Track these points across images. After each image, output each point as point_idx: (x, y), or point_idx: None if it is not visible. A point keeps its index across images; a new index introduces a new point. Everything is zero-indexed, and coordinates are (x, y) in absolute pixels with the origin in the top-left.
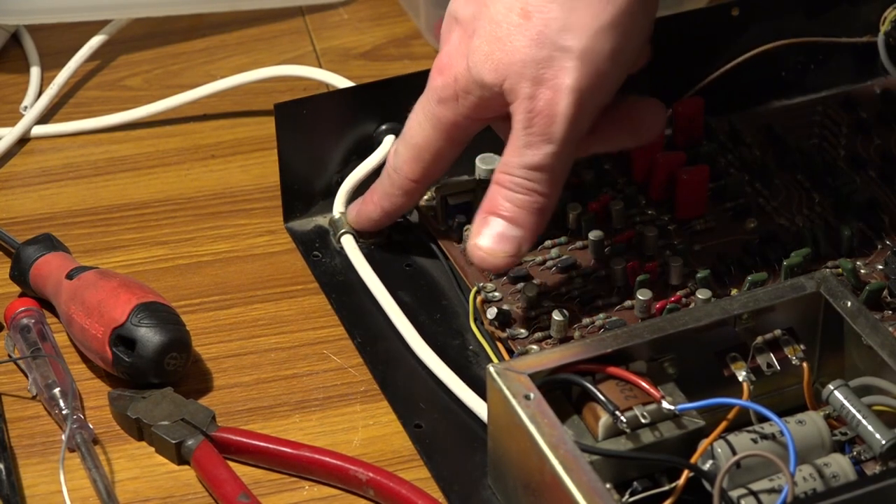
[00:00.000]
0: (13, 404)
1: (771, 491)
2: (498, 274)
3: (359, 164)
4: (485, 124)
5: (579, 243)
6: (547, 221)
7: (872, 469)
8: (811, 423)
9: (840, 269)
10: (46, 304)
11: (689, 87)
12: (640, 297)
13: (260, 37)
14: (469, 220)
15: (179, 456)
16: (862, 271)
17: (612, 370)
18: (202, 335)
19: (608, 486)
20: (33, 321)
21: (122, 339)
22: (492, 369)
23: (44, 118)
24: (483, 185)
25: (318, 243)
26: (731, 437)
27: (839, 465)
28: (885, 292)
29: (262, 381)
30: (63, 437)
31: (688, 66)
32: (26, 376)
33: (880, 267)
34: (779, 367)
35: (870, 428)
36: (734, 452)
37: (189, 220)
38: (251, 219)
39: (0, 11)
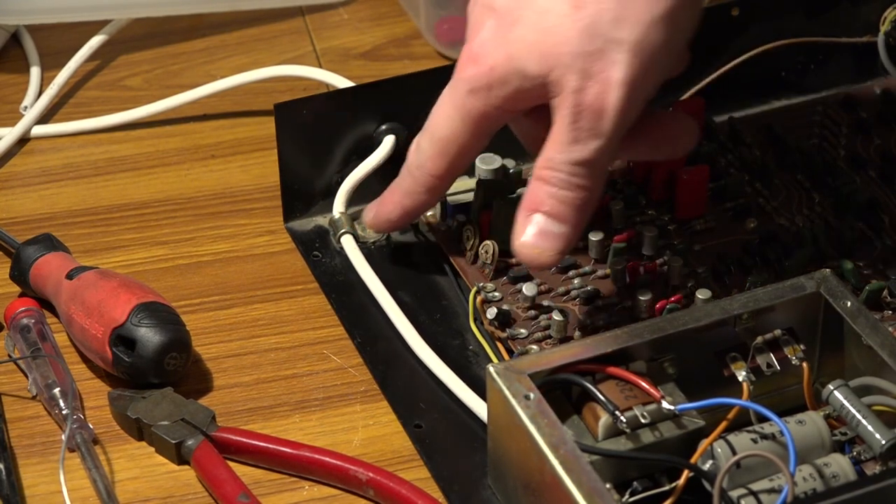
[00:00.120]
0: (13, 404)
1: (771, 491)
2: (498, 274)
3: (359, 164)
4: (514, 117)
5: (579, 243)
6: (591, 216)
7: (872, 469)
8: (811, 423)
9: (840, 269)
10: (46, 304)
11: (689, 87)
12: (640, 297)
13: (260, 37)
14: (469, 221)
15: (179, 456)
16: (862, 272)
17: (612, 370)
18: (202, 335)
19: (608, 486)
20: (33, 321)
21: (122, 339)
22: (492, 369)
23: (44, 118)
24: (483, 184)
25: (318, 243)
26: (731, 437)
27: (839, 465)
28: (885, 292)
29: (262, 381)
30: (63, 437)
31: (688, 66)
32: (26, 376)
33: (880, 267)
34: (779, 367)
35: (870, 428)
36: (734, 452)
37: (189, 220)
38: (251, 219)
39: (0, 11)
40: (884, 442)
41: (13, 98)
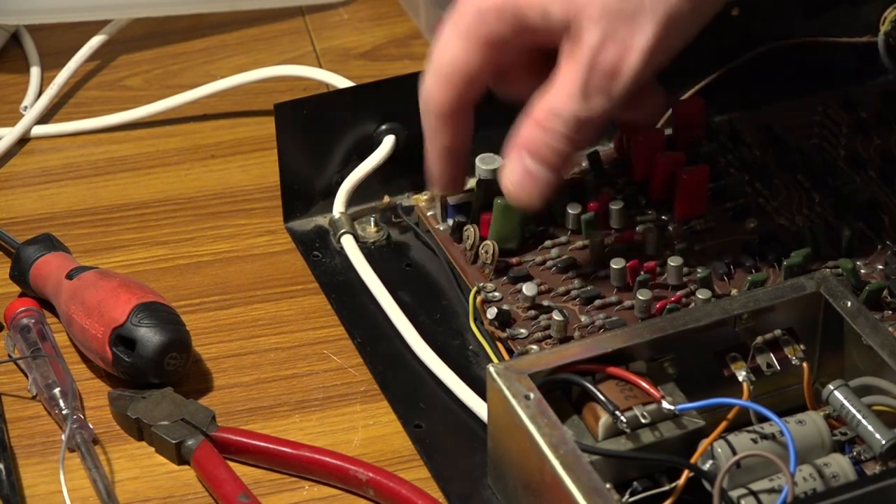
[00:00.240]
0: (13, 404)
1: (771, 491)
2: (498, 274)
3: (359, 164)
4: (510, 55)
5: (579, 243)
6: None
7: (872, 469)
8: (811, 423)
9: (840, 269)
10: (46, 304)
11: (689, 87)
12: (640, 297)
13: (260, 37)
14: (469, 221)
15: (179, 456)
16: (862, 271)
17: (612, 370)
18: (202, 335)
19: (608, 486)
20: (33, 321)
21: (122, 339)
22: (492, 369)
23: (44, 118)
24: (483, 184)
25: (318, 243)
26: (731, 437)
27: (839, 465)
28: (885, 292)
29: (262, 381)
30: (63, 437)
31: (688, 66)
32: (26, 376)
33: (880, 267)
34: (779, 367)
35: (870, 428)
36: (734, 452)
37: (189, 220)
38: (251, 219)
39: (0, 11)
40: (884, 442)
41: (13, 98)
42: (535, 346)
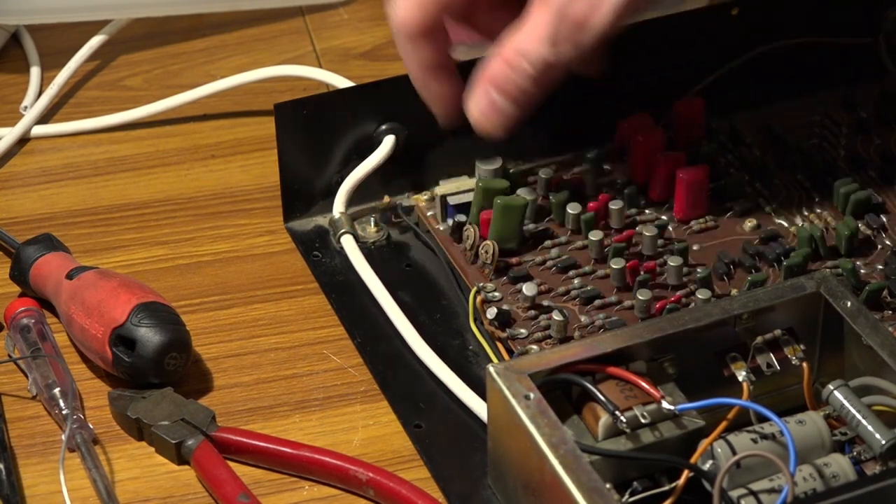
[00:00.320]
0: (13, 404)
1: (771, 491)
2: (498, 274)
3: (359, 164)
4: None
5: (579, 243)
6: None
7: (872, 469)
8: (811, 423)
9: (840, 269)
10: (46, 304)
11: (689, 87)
12: (640, 297)
13: (260, 37)
14: (469, 221)
15: (179, 456)
16: (862, 271)
17: (612, 370)
18: (202, 335)
19: (608, 486)
20: (33, 321)
21: (122, 339)
22: (492, 369)
23: (44, 118)
24: (483, 184)
25: (318, 243)
26: (731, 437)
27: (839, 465)
28: (885, 292)
29: (262, 381)
30: (63, 437)
31: (688, 66)
32: (26, 376)
33: (880, 267)
34: (779, 367)
35: (870, 428)
36: (734, 452)
37: (189, 220)
38: (251, 219)
39: (0, 11)
40: (884, 442)
41: (13, 98)
42: (535, 346)
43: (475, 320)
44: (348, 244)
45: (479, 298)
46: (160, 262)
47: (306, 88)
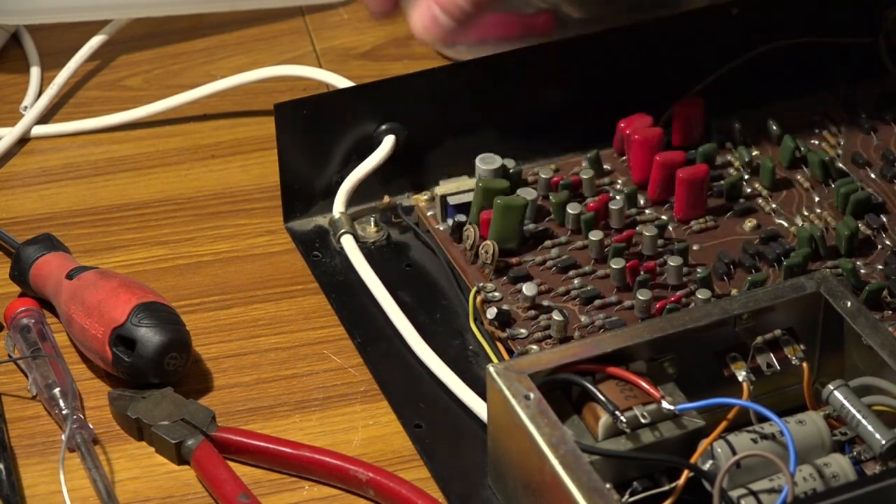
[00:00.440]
0: (13, 404)
1: (771, 491)
2: (498, 274)
3: (359, 164)
4: None
5: (579, 243)
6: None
7: (872, 469)
8: (811, 423)
9: (840, 269)
10: (46, 304)
11: (689, 87)
12: (640, 297)
13: (260, 37)
14: (469, 221)
15: (179, 456)
16: (862, 271)
17: (612, 370)
18: (202, 335)
19: (608, 486)
20: (33, 321)
21: (122, 339)
22: (492, 369)
23: (44, 118)
24: (483, 184)
25: (318, 243)
26: (731, 437)
27: (839, 465)
28: (885, 292)
29: (262, 381)
30: (63, 437)
31: (688, 66)
32: (26, 376)
33: (880, 267)
34: (779, 367)
35: (870, 428)
36: (734, 452)
37: (189, 220)
38: (251, 219)
39: (0, 11)
40: (884, 442)
41: (13, 98)
42: (535, 346)
43: (475, 320)
44: (348, 244)
45: (479, 298)
46: (160, 262)
47: (306, 88)
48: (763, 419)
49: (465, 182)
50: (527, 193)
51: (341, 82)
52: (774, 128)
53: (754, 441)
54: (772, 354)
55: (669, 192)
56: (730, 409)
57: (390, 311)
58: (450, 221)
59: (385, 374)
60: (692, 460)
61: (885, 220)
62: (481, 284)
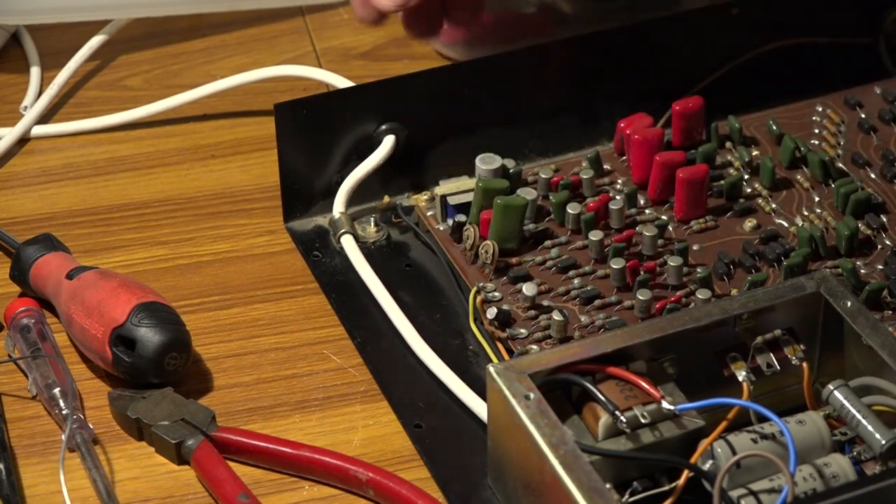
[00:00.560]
0: (13, 404)
1: (771, 491)
2: (498, 274)
3: (359, 164)
4: None
5: (579, 243)
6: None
7: (872, 469)
8: (811, 423)
9: (840, 269)
10: (46, 304)
11: (689, 87)
12: (640, 297)
13: (260, 37)
14: (469, 221)
15: (179, 456)
16: (862, 271)
17: (612, 370)
18: (202, 335)
19: (608, 486)
20: (33, 321)
21: (122, 339)
22: (492, 369)
23: (44, 118)
24: (483, 184)
25: (318, 243)
26: (731, 437)
27: (839, 465)
28: (885, 292)
29: (262, 381)
30: (63, 437)
31: (688, 66)
32: (26, 376)
33: (880, 267)
34: (779, 367)
35: (870, 428)
36: (734, 452)
37: (189, 220)
38: (251, 219)
39: (0, 11)
40: (884, 442)
41: (13, 98)
42: (535, 346)
43: (475, 320)
44: (348, 244)
45: (479, 298)
46: (160, 262)
47: (306, 88)
48: (763, 419)
49: (465, 182)
50: (527, 193)
51: (341, 82)
52: (774, 128)
53: (754, 441)
54: (772, 354)
55: (669, 192)
56: (730, 409)
57: (390, 311)
58: (450, 221)
59: (385, 374)
60: (692, 460)
61: (885, 220)
62: (481, 284)
